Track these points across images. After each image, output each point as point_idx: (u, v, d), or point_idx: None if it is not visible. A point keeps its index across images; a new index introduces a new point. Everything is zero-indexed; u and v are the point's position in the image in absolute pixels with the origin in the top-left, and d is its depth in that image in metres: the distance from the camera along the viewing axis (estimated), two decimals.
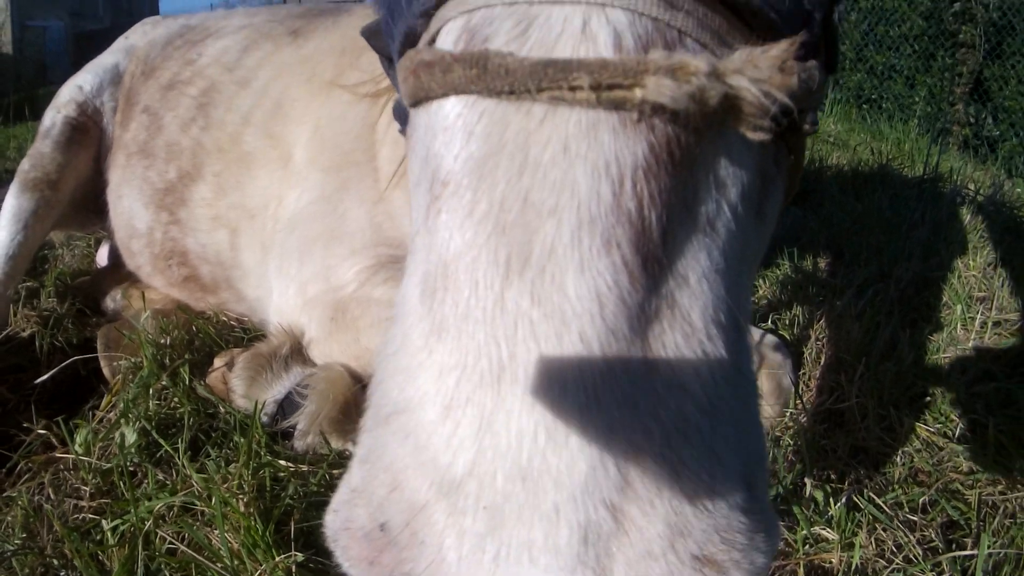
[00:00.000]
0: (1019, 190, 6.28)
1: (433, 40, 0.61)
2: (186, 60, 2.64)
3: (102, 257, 3.17)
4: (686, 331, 0.51)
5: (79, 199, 2.84)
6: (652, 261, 0.51)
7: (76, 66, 3.31)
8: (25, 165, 2.71)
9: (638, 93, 0.48)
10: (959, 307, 2.55)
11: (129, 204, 2.59)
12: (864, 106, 10.60)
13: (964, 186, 4.71)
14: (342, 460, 1.62)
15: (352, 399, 1.67)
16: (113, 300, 2.79)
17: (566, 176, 0.50)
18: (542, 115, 0.51)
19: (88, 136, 2.78)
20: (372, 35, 0.86)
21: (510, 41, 0.53)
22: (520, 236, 0.49)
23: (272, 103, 2.27)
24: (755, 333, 1.97)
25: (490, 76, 0.51)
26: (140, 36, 3.07)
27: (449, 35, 0.58)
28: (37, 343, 2.39)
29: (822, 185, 4.03)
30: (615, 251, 0.49)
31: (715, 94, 0.49)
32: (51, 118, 2.77)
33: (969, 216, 3.51)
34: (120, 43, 3.09)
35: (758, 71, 0.50)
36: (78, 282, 2.99)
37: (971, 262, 3.03)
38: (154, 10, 59.74)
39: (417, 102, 0.58)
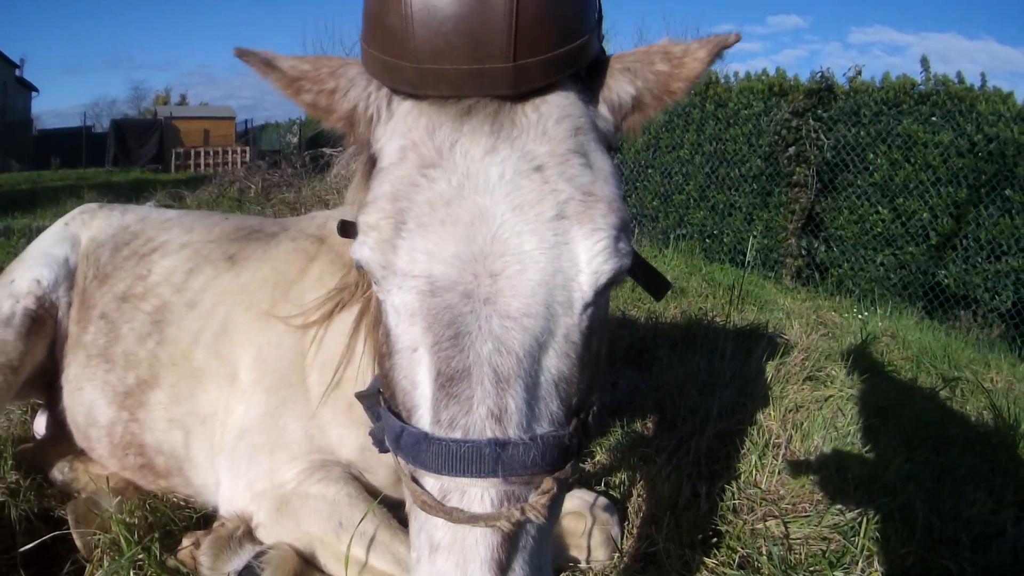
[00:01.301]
0: (837, 315, 7.37)
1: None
2: (137, 275, 3.19)
3: (39, 427, 3.45)
4: None
5: (29, 379, 3.26)
6: (505, 570, 1.25)
7: None
8: None
9: (498, 524, 1.23)
10: (754, 456, 3.35)
11: (91, 398, 3.07)
12: (707, 240, 11.82)
13: (780, 331, 5.69)
14: None
15: (300, 571, 2.29)
16: (61, 472, 3.21)
17: (478, 550, 1.23)
18: (471, 530, 1.24)
19: (45, 327, 3.23)
20: (363, 398, 1.68)
21: (460, 498, 1.26)
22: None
23: (218, 325, 2.86)
24: (590, 496, 2.70)
25: (454, 519, 1.24)
26: (80, 226, 3.56)
27: (432, 489, 1.31)
28: (12, 513, 2.80)
29: (656, 344, 4.89)
30: (495, 569, 1.23)
31: (523, 520, 1.26)
32: (10, 307, 3.18)
33: (772, 371, 4.39)
34: (61, 230, 3.56)
35: (535, 510, 1.26)
36: (19, 449, 3.36)
37: (772, 412, 3.87)
38: (26, 109, 58.17)
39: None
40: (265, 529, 2.41)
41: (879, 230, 10.32)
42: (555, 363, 1.36)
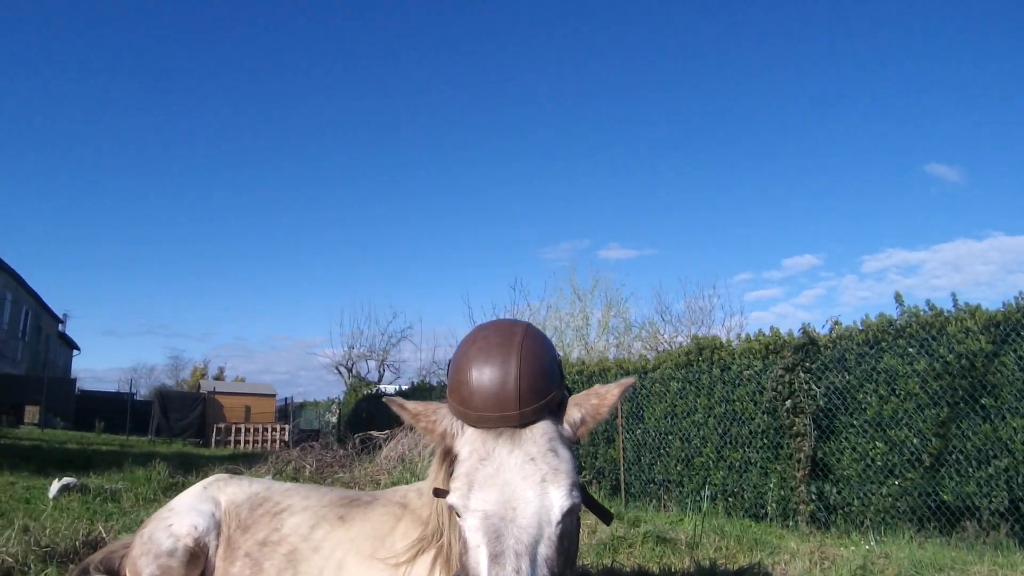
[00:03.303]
0: (844, 548, 8.55)
1: None
2: (273, 528, 4.54)
3: None
4: None
5: None
6: None
7: None
8: (156, 570, 4.42)
9: None
10: None
11: None
12: (729, 498, 13.03)
13: (777, 569, 6.95)
14: None
15: None
16: None
17: None
18: None
19: (198, 561, 4.52)
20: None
21: None
22: None
23: (336, 564, 4.21)
24: None
25: None
26: (217, 490, 4.95)
27: None
28: None
29: None
30: None
31: None
32: (172, 543, 4.49)
33: None
34: (201, 492, 4.92)
35: None
36: None
37: None
38: (67, 366, 60.43)
39: None
40: None
41: (879, 464, 11.42)
42: (544, 550, 2.80)
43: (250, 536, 4.61)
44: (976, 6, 64.53)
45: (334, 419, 38.31)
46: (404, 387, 34.09)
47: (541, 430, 3.07)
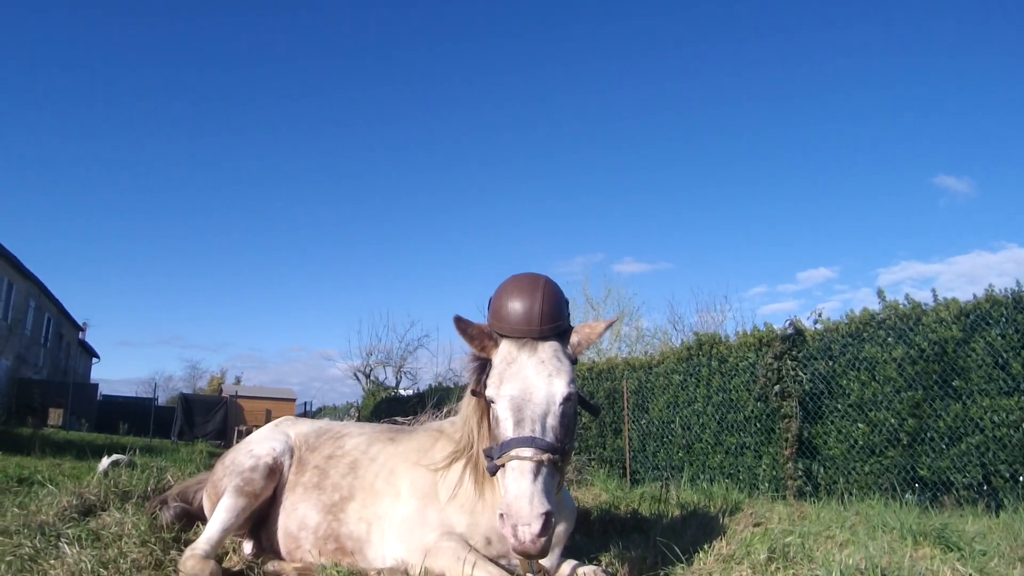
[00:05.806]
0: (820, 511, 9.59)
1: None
2: (337, 445, 5.48)
3: (247, 548, 5.54)
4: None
5: (254, 511, 5.32)
6: (536, 479, 3.78)
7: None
8: (239, 481, 5.18)
9: (533, 460, 3.86)
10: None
11: (304, 512, 5.17)
12: (726, 480, 14.06)
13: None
14: None
15: None
16: (273, 566, 5.06)
17: (528, 467, 3.81)
18: (525, 463, 3.82)
19: (275, 475, 5.35)
20: (485, 451, 4.28)
21: (521, 454, 3.87)
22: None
23: (388, 470, 5.13)
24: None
25: (520, 459, 3.88)
26: (288, 426, 5.88)
27: (512, 455, 3.88)
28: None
29: (659, 519, 7.28)
30: (532, 476, 3.79)
31: (541, 461, 3.86)
32: (254, 461, 5.30)
33: (726, 519, 6.76)
34: (273, 429, 5.83)
35: (543, 461, 3.86)
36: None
37: (726, 538, 6.22)
38: (87, 373, 61.22)
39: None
40: (415, 568, 4.56)
41: (861, 443, 12.35)
42: (551, 420, 4.00)
43: (318, 453, 5.58)
44: (980, 18, 65.22)
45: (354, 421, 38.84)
46: (423, 389, 34.81)
47: (551, 345, 4.30)
